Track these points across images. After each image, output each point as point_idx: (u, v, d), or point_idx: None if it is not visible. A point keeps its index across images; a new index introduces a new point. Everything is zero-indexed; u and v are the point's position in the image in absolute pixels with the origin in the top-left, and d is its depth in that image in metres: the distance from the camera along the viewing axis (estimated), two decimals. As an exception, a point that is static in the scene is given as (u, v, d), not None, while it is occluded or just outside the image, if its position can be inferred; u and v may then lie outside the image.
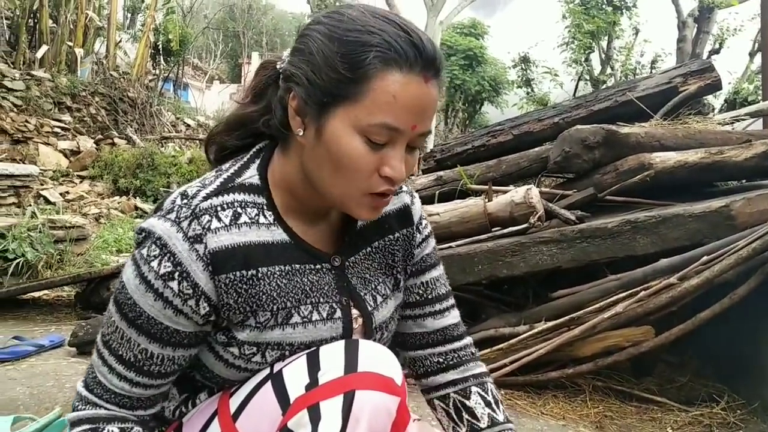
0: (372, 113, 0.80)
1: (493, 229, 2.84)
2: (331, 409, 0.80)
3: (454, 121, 17.30)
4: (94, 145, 9.10)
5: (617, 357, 2.39)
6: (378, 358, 0.87)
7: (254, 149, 0.96)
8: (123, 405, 0.90)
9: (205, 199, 0.87)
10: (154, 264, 0.84)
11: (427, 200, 3.25)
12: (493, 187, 3.14)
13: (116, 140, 9.54)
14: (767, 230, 2.22)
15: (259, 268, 0.88)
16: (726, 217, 2.48)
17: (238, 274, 0.86)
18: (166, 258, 0.83)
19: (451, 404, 1.08)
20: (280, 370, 0.88)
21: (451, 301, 1.12)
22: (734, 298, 2.26)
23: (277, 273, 0.90)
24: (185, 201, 0.86)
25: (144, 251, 0.85)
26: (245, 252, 0.87)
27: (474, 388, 1.08)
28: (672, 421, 2.28)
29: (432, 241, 1.11)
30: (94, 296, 3.38)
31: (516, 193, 2.84)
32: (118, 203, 7.65)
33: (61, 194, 7.23)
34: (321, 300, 0.94)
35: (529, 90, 15.36)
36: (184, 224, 0.84)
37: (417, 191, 3.32)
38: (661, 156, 2.89)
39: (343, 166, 0.83)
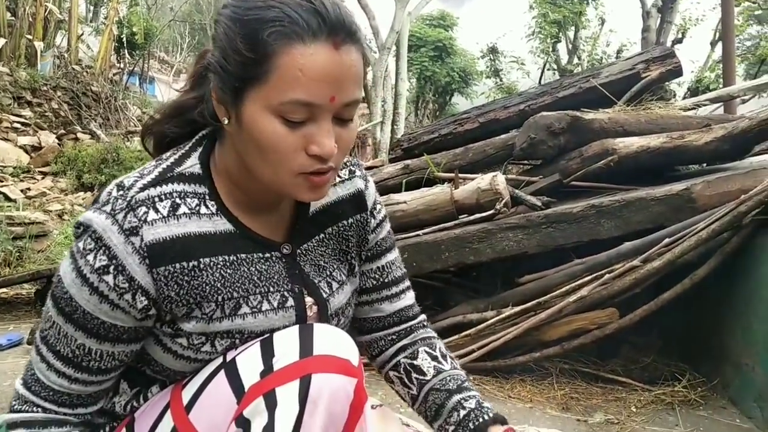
0: (282, 91, 0.76)
1: (459, 217, 2.84)
2: (287, 394, 0.78)
3: (425, 112, 17.32)
4: (57, 141, 8.88)
5: (583, 340, 2.41)
6: (333, 340, 0.86)
7: (197, 137, 0.93)
8: (62, 403, 0.88)
9: (142, 189, 0.84)
10: (90, 258, 0.81)
11: (394, 189, 3.24)
12: (460, 175, 3.14)
13: (80, 135, 9.32)
14: (726, 212, 2.27)
15: (201, 259, 0.86)
16: (687, 200, 2.53)
17: (177, 266, 0.84)
18: (101, 252, 0.81)
19: (402, 369, 1.08)
20: (234, 359, 0.86)
21: (407, 282, 1.12)
22: (695, 279, 2.30)
23: (221, 263, 0.88)
24: (121, 192, 0.84)
25: (80, 244, 0.83)
26: (184, 243, 0.85)
27: (421, 348, 1.08)
28: (636, 400, 2.31)
29: (387, 225, 1.10)
30: (55, 293, 3.29)
31: (482, 180, 2.84)
32: (83, 199, 7.47)
33: (22, 191, 7.04)
34: (271, 289, 0.92)
35: (498, 80, 15.46)
36: (119, 216, 0.82)
37: (384, 180, 3.32)
38: (624, 141, 2.93)
39: (266, 150, 0.80)
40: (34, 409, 0.87)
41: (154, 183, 0.85)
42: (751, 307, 2.21)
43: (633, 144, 2.90)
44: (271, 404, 0.78)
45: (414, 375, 1.06)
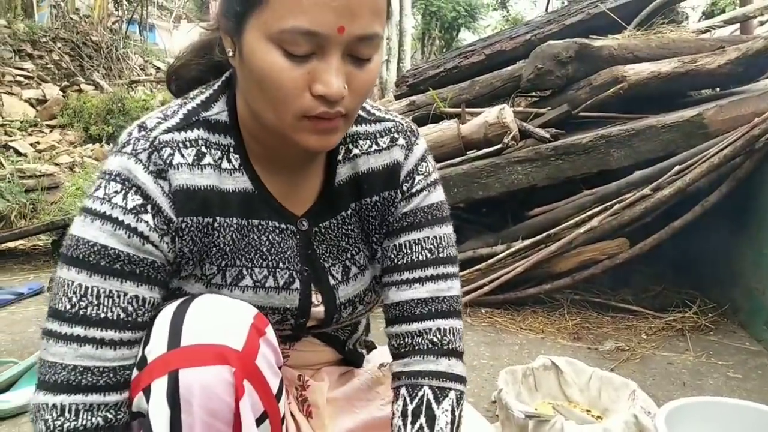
0: (281, 17, 0.65)
1: (467, 152, 2.82)
2: (158, 392, 0.69)
3: (431, 49, 16.93)
4: (61, 93, 8.80)
5: (594, 270, 2.43)
6: (209, 322, 0.73)
7: (225, 77, 0.83)
8: (125, 382, 0.74)
9: (166, 132, 0.76)
10: (118, 200, 0.72)
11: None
12: (467, 110, 3.09)
13: (83, 87, 9.21)
14: (738, 136, 2.22)
15: (217, 218, 0.78)
16: (699, 126, 2.48)
17: (195, 219, 0.77)
18: (131, 191, 0.73)
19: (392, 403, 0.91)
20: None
21: (431, 271, 0.88)
22: (706, 206, 2.29)
23: (234, 226, 0.80)
24: (143, 133, 0.75)
25: (99, 192, 0.73)
26: (205, 196, 0.77)
27: (402, 391, 0.87)
28: (646, 327, 2.34)
29: (422, 198, 0.90)
30: (71, 243, 3.35)
31: (489, 114, 2.80)
32: (92, 151, 7.46)
33: (31, 145, 7.04)
34: (280, 265, 0.85)
35: (505, 12, 15.02)
36: (143, 156, 0.73)
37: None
38: (634, 68, 2.85)
39: (266, 87, 0.69)
40: (95, 418, 0.71)
41: (179, 127, 0.77)
42: (763, 232, 2.20)
43: (643, 71, 2.83)
44: (148, 400, 0.70)
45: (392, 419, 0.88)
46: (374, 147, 0.87)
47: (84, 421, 0.71)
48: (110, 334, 0.72)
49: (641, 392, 1.54)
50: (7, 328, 2.36)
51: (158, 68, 11.98)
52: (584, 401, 1.65)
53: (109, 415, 0.72)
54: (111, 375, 0.73)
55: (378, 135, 0.88)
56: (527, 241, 2.52)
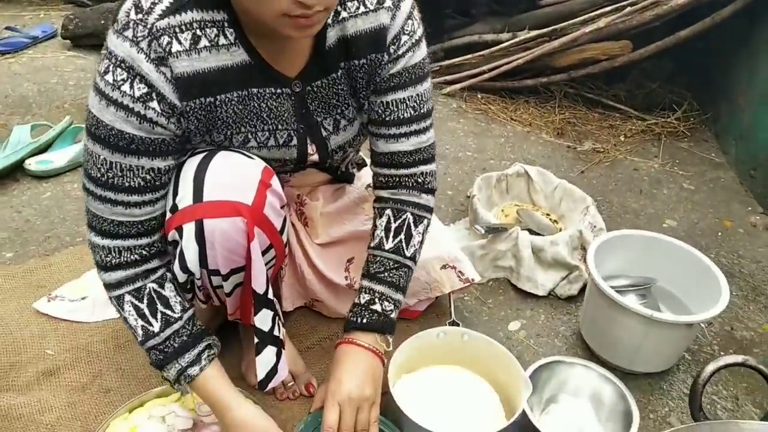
0: None
1: None
2: (189, 232, 0.89)
3: None
4: None
5: (591, 69, 2.49)
6: (224, 183, 0.90)
7: None
8: (153, 229, 0.95)
9: (162, 17, 0.81)
10: (126, 88, 0.82)
11: None
12: None
13: None
14: (773, -54, 2.10)
15: (217, 96, 0.89)
16: None
17: (197, 101, 0.87)
18: (137, 80, 0.82)
19: (373, 217, 1.15)
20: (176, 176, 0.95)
21: (414, 126, 1.05)
22: (716, 19, 2.26)
23: (235, 99, 0.91)
24: (140, 17, 0.81)
25: (108, 77, 0.82)
26: (204, 79, 0.86)
27: (388, 210, 1.11)
28: (627, 129, 2.50)
29: (407, 60, 1.00)
30: (76, -21, 3.26)
31: None
32: None
33: None
34: (279, 127, 0.98)
35: None
36: (143, 44, 0.80)
37: None
38: None
39: None
40: (130, 257, 0.94)
41: (172, 10, 0.82)
42: (765, 53, 2.21)
43: None
44: (180, 236, 0.90)
45: (373, 230, 1.12)
46: (362, 9, 0.93)
47: (125, 258, 0.94)
48: (135, 198, 0.91)
49: (593, 208, 1.78)
50: (31, 76, 2.49)
51: None
52: (547, 207, 1.91)
53: (144, 252, 0.95)
54: (140, 226, 0.94)
55: None
56: (533, 33, 2.52)
